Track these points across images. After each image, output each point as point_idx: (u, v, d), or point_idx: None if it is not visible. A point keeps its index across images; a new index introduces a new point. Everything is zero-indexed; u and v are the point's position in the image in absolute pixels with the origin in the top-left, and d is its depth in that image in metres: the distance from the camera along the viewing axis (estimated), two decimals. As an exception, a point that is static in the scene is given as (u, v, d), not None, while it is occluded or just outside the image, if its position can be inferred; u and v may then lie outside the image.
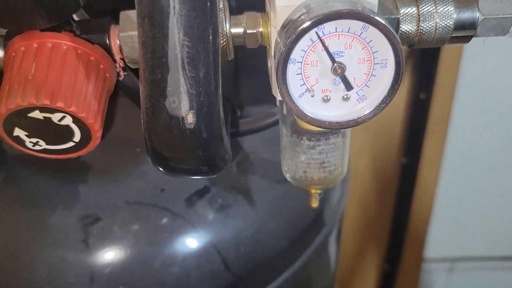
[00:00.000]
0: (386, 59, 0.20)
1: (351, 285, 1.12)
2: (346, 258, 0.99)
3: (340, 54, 0.20)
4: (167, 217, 0.33)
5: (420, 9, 0.24)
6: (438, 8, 0.24)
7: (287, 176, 0.30)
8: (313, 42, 0.20)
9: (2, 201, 0.33)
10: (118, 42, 0.24)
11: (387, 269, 1.09)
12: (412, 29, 0.24)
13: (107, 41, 0.24)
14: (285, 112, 0.26)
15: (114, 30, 0.24)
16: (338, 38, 0.20)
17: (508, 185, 1.13)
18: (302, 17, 0.18)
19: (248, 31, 0.24)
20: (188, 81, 0.19)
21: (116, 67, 0.25)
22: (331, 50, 0.19)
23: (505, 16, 0.24)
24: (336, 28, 0.20)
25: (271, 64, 0.23)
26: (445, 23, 0.24)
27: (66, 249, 0.31)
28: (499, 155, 1.06)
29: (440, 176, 1.01)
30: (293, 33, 0.18)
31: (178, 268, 0.32)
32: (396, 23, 0.23)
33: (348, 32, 0.20)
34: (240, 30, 0.24)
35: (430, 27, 0.24)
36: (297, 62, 0.20)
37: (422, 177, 0.98)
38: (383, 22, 0.19)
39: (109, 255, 0.31)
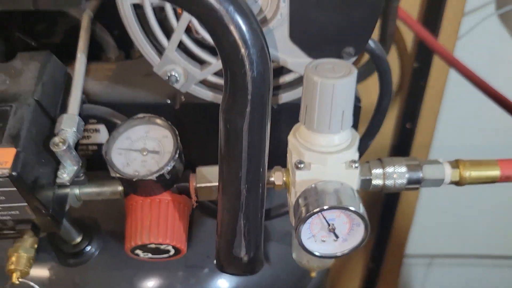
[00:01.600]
0: (359, 222, 0.31)
1: (339, 283, 1.21)
2: (335, 262, 1.09)
3: (333, 220, 0.31)
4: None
5: (385, 171, 0.35)
6: (396, 170, 0.35)
7: (295, 258, 0.42)
8: (318, 215, 0.31)
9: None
10: (195, 190, 0.34)
11: (372, 267, 1.19)
12: (380, 183, 0.34)
13: (189, 189, 0.34)
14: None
15: (192, 180, 0.34)
16: (333, 213, 0.31)
17: (481, 195, 1.20)
18: (314, 203, 0.29)
19: (276, 182, 0.34)
20: (246, 241, 0.29)
21: (192, 204, 0.36)
22: (328, 218, 0.30)
23: (438, 178, 0.35)
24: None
25: (290, 201, 0.34)
26: (401, 181, 0.34)
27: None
28: None
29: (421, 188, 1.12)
30: (307, 212, 0.29)
31: None
32: (370, 181, 0.34)
33: (338, 211, 0.31)
34: (271, 179, 0.34)
35: (391, 183, 0.35)
36: (307, 223, 0.31)
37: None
38: (358, 211, 0.29)
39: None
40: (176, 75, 0.34)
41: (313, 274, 0.40)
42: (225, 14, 0.23)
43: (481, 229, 1.32)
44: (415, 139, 0.95)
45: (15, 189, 0.26)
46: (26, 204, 0.27)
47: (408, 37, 0.85)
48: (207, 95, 0.36)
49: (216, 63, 0.35)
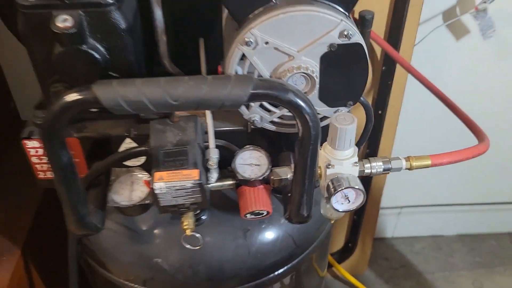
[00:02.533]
0: (360, 194, 0.60)
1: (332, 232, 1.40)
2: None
3: (347, 193, 0.59)
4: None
5: (371, 165, 0.63)
6: (376, 164, 0.63)
7: (322, 213, 0.70)
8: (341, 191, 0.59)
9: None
10: (272, 181, 0.61)
11: (355, 219, 1.40)
12: (368, 172, 0.62)
13: (269, 180, 0.61)
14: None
15: (270, 175, 0.62)
16: (347, 189, 0.59)
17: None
18: (337, 185, 0.58)
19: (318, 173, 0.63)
20: (307, 205, 0.57)
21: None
22: (344, 192, 0.59)
23: (399, 167, 0.65)
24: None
25: (322, 184, 0.62)
26: (379, 170, 0.62)
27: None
28: (437, 135, 1.42)
29: (392, 154, 1.34)
30: (334, 190, 0.58)
31: (272, 247, 0.72)
32: (363, 171, 0.63)
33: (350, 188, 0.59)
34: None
35: (373, 172, 0.63)
36: (335, 195, 0.59)
37: (380, 153, 1.18)
38: (361, 188, 0.57)
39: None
40: (257, 119, 0.62)
41: (332, 221, 0.70)
42: (302, 107, 0.51)
43: (441, 184, 1.54)
44: (385, 122, 1.18)
45: (198, 189, 0.54)
46: (201, 196, 0.55)
47: (378, 49, 1.07)
48: (272, 127, 0.64)
49: (277, 112, 0.62)
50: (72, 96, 0.48)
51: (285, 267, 0.72)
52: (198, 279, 0.67)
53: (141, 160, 0.64)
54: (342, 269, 1.46)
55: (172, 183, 0.53)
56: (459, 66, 1.25)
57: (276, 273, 0.71)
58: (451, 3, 1.15)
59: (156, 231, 0.67)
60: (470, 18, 1.15)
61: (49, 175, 0.70)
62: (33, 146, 0.67)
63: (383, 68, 1.10)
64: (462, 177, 1.54)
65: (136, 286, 0.70)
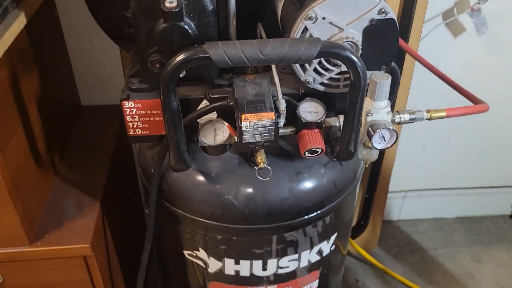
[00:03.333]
0: (394, 134, 0.78)
1: None
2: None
3: (384, 133, 0.77)
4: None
5: (400, 115, 0.81)
6: (404, 114, 0.81)
7: (360, 157, 0.87)
8: (378, 132, 0.77)
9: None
10: (324, 128, 0.79)
11: (367, 197, 1.55)
12: (398, 121, 0.81)
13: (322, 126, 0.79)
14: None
15: (323, 123, 0.79)
16: (384, 131, 0.77)
17: (442, 143, 1.64)
18: (376, 129, 0.75)
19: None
20: (354, 142, 0.75)
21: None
22: (382, 133, 0.77)
23: (422, 117, 0.83)
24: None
25: (362, 130, 0.80)
26: (407, 119, 0.81)
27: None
28: (438, 125, 1.56)
29: (399, 142, 1.48)
30: (373, 131, 0.75)
31: (318, 188, 0.88)
32: (394, 120, 0.81)
33: (385, 129, 0.77)
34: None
35: (403, 120, 0.82)
36: (374, 136, 0.77)
37: None
38: (394, 129, 0.76)
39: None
40: (311, 80, 0.80)
41: (367, 165, 0.87)
42: (355, 61, 0.68)
43: (443, 169, 1.70)
44: (394, 107, 1.34)
45: (274, 127, 0.71)
46: (274, 134, 0.72)
47: None
48: (321, 88, 0.82)
49: (327, 75, 0.80)
50: (189, 53, 0.66)
51: (328, 206, 0.89)
52: (260, 213, 0.84)
53: (214, 115, 0.81)
54: (355, 244, 1.63)
55: (255, 122, 0.70)
56: (457, 59, 1.44)
57: (321, 210, 0.88)
58: (450, 4, 1.34)
59: (226, 174, 0.84)
60: (466, 17, 1.34)
61: (138, 132, 0.87)
62: (129, 107, 0.84)
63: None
64: (460, 163, 1.71)
65: (208, 221, 0.86)
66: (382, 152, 1.45)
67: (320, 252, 0.96)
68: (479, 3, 1.29)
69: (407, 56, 1.27)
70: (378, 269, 1.65)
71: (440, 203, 1.83)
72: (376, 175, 1.51)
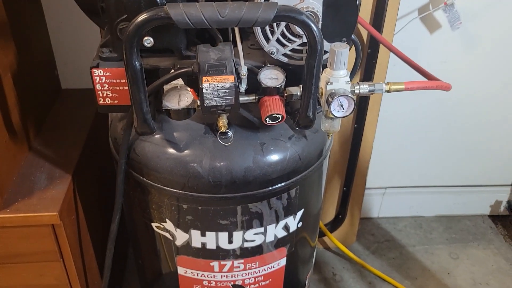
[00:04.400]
0: (352, 102, 0.81)
1: (325, 201, 1.59)
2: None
3: (342, 101, 0.80)
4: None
5: (360, 86, 0.84)
6: (363, 86, 0.84)
7: (322, 129, 0.90)
8: (337, 99, 0.80)
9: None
10: (285, 96, 0.83)
11: (345, 190, 1.57)
12: (357, 92, 0.84)
13: (283, 94, 0.84)
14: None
15: (284, 92, 0.82)
16: (342, 98, 0.80)
17: (421, 139, 1.65)
18: (335, 95, 0.78)
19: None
20: (313, 107, 0.77)
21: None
22: (340, 101, 0.80)
23: (380, 88, 0.86)
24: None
25: (322, 100, 0.83)
26: (366, 90, 0.84)
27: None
28: (418, 122, 1.62)
29: (375, 137, 1.49)
30: (332, 98, 0.78)
31: (282, 160, 0.91)
32: (353, 91, 0.84)
33: (344, 97, 0.80)
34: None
35: (362, 91, 0.84)
36: (332, 104, 0.80)
37: (365, 136, 1.45)
38: (352, 97, 0.80)
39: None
40: (274, 51, 0.83)
41: (329, 136, 0.89)
42: (311, 25, 0.71)
43: (422, 166, 1.72)
44: (370, 99, 1.36)
45: (233, 90, 0.74)
46: (234, 98, 0.75)
47: (364, 33, 1.27)
48: (284, 59, 0.85)
49: (289, 46, 0.83)
50: (150, 12, 0.68)
51: (292, 179, 0.91)
52: (225, 181, 0.86)
53: (180, 82, 0.84)
54: (333, 238, 1.64)
55: (215, 84, 0.73)
56: (433, 55, 1.48)
57: (285, 183, 0.90)
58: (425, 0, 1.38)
59: (192, 143, 0.86)
60: (440, 13, 1.38)
61: (108, 101, 0.89)
62: (98, 75, 0.86)
63: (369, 50, 1.32)
64: (439, 160, 1.73)
65: (174, 190, 0.88)
66: (358, 145, 1.48)
67: (286, 228, 0.98)
68: (452, -3, 1.33)
69: (381, 47, 1.29)
70: (356, 263, 1.66)
71: (420, 201, 1.85)
72: (353, 168, 1.52)
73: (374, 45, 1.30)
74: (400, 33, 1.36)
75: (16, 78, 0.99)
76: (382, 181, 1.78)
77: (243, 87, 0.78)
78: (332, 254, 1.71)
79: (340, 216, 1.64)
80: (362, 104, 1.38)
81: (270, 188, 0.89)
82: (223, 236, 0.94)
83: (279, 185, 0.89)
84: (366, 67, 1.33)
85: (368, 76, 1.33)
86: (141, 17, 0.68)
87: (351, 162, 1.52)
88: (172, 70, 0.84)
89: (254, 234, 0.95)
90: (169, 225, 0.94)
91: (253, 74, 0.81)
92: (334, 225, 1.66)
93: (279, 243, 1.00)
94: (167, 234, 0.97)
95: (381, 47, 1.29)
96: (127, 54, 0.70)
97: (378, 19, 1.27)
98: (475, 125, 1.65)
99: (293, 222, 0.99)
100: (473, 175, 1.79)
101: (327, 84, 0.79)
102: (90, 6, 0.95)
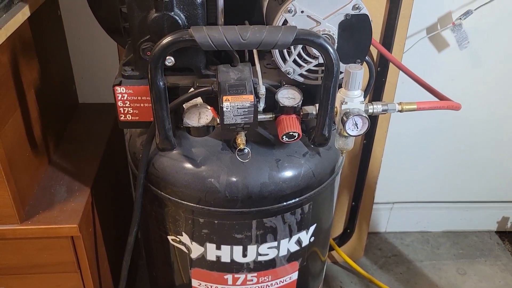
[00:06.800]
0: (366, 122, 0.83)
1: (335, 214, 1.62)
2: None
3: (357, 120, 0.83)
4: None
5: (373, 106, 0.87)
6: (377, 105, 0.86)
7: (336, 146, 0.92)
8: (352, 118, 0.83)
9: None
10: (301, 115, 0.85)
11: (353, 205, 1.59)
12: (371, 111, 0.87)
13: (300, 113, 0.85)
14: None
15: (300, 111, 0.84)
16: (357, 118, 0.83)
17: (430, 156, 1.67)
18: (350, 115, 0.80)
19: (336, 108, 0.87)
20: (328, 127, 0.80)
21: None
22: (355, 120, 0.82)
23: (394, 108, 0.88)
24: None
25: (337, 119, 0.85)
26: (380, 110, 0.87)
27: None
28: (427, 138, 1.65)
29: (384, 153, 1.52)
30: (347, 118, 0.81)
31: (297, 176, 0.93)
32: (367, 111, 0.86)
33: (358, 116, 0.83)
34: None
35: (375, 111, 0.87)
36: (347, 123, 0.82)
37: (374, 152, 1.47)
38: (366, 116, 0.82)
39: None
40: (291, 71, 0.86)
41: (342, 154, 0.92)
42: (329, 49, 0.74)
43: (429, 182, 1.74)
44: (379, 117, 1.39)
45: (252, 109, 0.77)
46: (253, 116, 0.78)
47: (374, 52, 1.30)
48: (300, 79, 0.88)
49: (305, 67, 0.86)
50: (176, 35, 0.72)
51: (306, 195, 0.93)
52: (241, 196, 0.88)
53: (200, 100, 0.87)
54: (341, 252, 1.65)
55: (235, 103, 0.76)
56: (440, 72, 1.51)
57: (299, 198, 0.92)
58: (433, 19, 1.41)
59: (210, 158, 0.89)
60: (448, 32, 1.41)
61: (128, 118, 0.92)
62: (120, 92, 0.89)
63: (378, 69, 1.35)
64: (447, 176, 1.75)
65: (191, 204, 0.90)
66: (367, 160, 1.50)
67: (299, 242, 1.00)
68: (460, 18, 1.36)
69: (391, 66, 1.32)
70: (364, 278, 1.67)
71: (427, 217, 1.87)
72: (362, 183, 1.54)
73: (383, 63, 1.33)
74: (409, 51, 1.39)
75: (38, 94, 1.03)
76: (390, 196, 1.80)
77: (261, 106, 0.81)
78: (340, 268, 1.72)
79: (348, 230, 1.66)
80: (371, 120, 1.38)
81: (285, 203, 0.91)
82: (238, 249, 0.96)
83: (293, 200, 0.92)
84: (375, 85, 1.36)
85: (377, 93, 1.36)
86: (167, 39, 0.71)
87: (360, 177, 1.53)
88: (192, 89, 0.87)
89: (268, 248, 0.97)
90: (185, 238, 0.97)
91: (270, 93, 0.84)
92: (342, 239, 1.67)
93: (291, 257, 1.02)
94: (182, 247, 0.99)
95: (390, 65, 1.32)
96: (152, 74, 0.73)
97: (388, 38, 1.30)
98: (482, 142, 1.67)
99: (305, 237, 1.01)
100: (480, 191, 1.81)
101: (342, 104, 0.81)
102: (112, 25, 0.98)
